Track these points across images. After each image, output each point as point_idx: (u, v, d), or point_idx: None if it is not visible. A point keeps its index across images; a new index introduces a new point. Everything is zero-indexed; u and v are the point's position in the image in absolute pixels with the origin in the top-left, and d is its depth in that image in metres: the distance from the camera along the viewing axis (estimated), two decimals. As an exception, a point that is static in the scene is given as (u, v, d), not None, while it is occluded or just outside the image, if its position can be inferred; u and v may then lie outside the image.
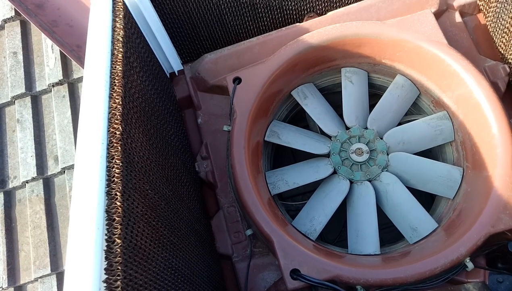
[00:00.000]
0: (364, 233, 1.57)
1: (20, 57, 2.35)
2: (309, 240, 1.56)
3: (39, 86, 2.29)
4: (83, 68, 2.21)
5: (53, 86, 2.27)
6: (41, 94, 2.29)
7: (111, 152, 0.97)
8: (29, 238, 1.96)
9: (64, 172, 2.07)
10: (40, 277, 1.88)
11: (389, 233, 1.85)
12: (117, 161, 0.95)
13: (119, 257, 0.79)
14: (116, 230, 0.83)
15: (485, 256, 1.42)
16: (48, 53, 2.35)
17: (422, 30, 1.62)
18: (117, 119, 1.04)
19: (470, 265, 1.32)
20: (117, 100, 1.08)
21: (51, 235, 1.95)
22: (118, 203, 0.87)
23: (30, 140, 2.15)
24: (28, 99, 2.26)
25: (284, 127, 1.79)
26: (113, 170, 0.93)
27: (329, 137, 1.77)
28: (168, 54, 1.78)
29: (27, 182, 2.06)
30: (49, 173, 2.07)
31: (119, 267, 0.78)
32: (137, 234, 0.91)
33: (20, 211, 2.03)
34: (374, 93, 1.92)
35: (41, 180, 2.06)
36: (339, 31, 1.66)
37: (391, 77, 1.80)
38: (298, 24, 1.81)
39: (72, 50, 1.97)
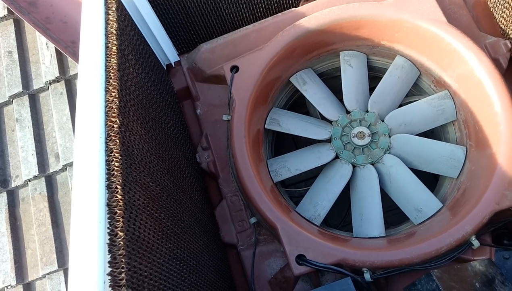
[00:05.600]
0: (369, 216, 1.57)
1: (16, 56, 2.33)
2: (313, 226, 1.56)
3: (36, 85, 2.27)
4: (79, 64, 2.19)
5: (50, 84, 2.25)
6: (38, 93, 2.28)
7: (110, 145, 0.96)
8: (34, 235, 1.96)
9: (66, 169, 2.06)
10: (48, 274, 1.89)
11: (393, 215, 1.85)
12: (116, 154, 0.94)
13: (123, 249, 0.79)
14: (118, 223, 0.83)
15: (491, 233, 1.42)
16: (43, 51, 2.33)
17: (421, 9, 1.59)
18: (114, 113, 1.03)
19: (476, 243, 1.32)
20: (113, 94, 1.07)
21: (56, 232, 1.95)
22: (119, 196, 0.87)
23: (30, 139, 2.14)
24: (26, 98, 2.24)
25: (284, 114, 1.77)
26: (112, 163, 0.93)
27: (330, 122, 1.76)
28: (163, 46, 1.76)
29: (29, 180, 2.06)
30: (51, 171, 2.07)
31: (123, 260, 0.78)
32: (139, 226, 0.91)
33: (24, 209, 2.03)
34: (374, 76, 1.90)
35: (43, 178, 2.06)
36: (336, 14, 1.64)
37: (391, 58, 1.78)
38: (294, 9, 1.79)
39: (67, 47, 1.95)
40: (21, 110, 2.22)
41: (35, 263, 1.94)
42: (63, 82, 2.24)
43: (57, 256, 1.92)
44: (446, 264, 1.34)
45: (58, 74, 2.22)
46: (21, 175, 2.08)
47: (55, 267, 1.90)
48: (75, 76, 2.24)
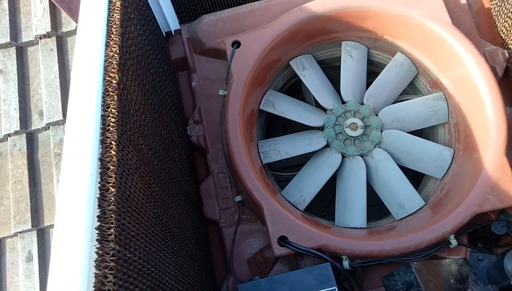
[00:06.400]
0: (352, 206, 1.59)
1: (6, 4, 2.22)
2: (297, 210, 1.57)
3: (25, 37, 2.17)
4: (74, 20, 2.11)
5: (40, 38, 2.16)
6: (27, 46, 2.19)
7: (107, 100, 0.93)
8: (9, 192, 1.90)
9: (49, 127, 1.99)
10: (20, 232, 1.83)
11: (373, 210, 1.87)
12: (113, 110, 0.91)
13: (113, 205, 0.77)
14: (110, 179, 0.80)
15: (468, 236, 1.46)
16: (36, 3, 2.23)
17: (427, 8, 1.60)
18: (113, 68, 0.99)
19: (454, 242, 1.35)
20: (114, 49, 1.03)
21: (33, 191, 1.89)
22: (113, 152, 0.84)
23: (14, 92, 2.05)
24: (13, 50, 2.15)
25: (279, 97, 1.76)
26: (109, 119, 0.90)
27: (325, 111, 1.76)
28: (165, 11, 1.71)
29: (9, 135, 1.98)
30: (33, 128, 2.00)
31: (113, 216, 0.76)
32: (130, 185, 0.88)
33: (0, 164, 1.96)
34: (372, 71, 1.90)
35: (24, 134, 1.99)
36: (344, 1, 1.63)
37: (391, 54, 1.78)
38: (302, -9, 1.76)
39: (63, 1, 1.88)
40: (6, 62, 2.13)
41: (8, 220, 1.88)
42: (54, 38, 2.15)
43: (31, 215, 1.86)
44: (422, 260, 1.38)
45: (50, 30, 2.13)
46: (0, 129, 2.00)
47: (29, 226, 1.84)
48: (68, 33, 2.16)
